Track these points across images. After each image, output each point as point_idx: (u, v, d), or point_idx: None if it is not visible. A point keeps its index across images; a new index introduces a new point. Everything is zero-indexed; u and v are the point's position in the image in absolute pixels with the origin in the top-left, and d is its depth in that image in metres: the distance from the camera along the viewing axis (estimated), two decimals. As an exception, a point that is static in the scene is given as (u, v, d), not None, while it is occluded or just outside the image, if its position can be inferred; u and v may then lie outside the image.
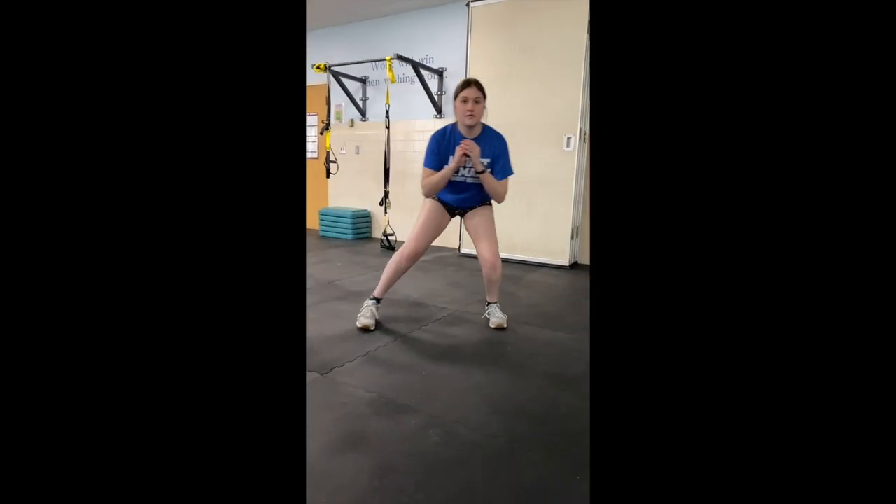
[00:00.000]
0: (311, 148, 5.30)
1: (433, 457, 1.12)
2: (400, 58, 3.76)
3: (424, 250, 2.04)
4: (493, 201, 2.07)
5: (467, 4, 3.62)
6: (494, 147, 1.97)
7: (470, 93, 1.85)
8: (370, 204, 4.75)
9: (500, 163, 1.98)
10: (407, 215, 4.39)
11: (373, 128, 4.73)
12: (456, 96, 1.89)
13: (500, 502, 0.97)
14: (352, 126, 4.92)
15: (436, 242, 2.41)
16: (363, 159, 4.81)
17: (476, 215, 2.08)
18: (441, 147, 1.96)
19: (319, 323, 2.07)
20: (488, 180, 1.94)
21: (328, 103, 4.32)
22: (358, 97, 4.78)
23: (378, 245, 4.23)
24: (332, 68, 4.35)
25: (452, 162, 1.90)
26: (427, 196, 2.01)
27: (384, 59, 3.91)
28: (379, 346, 1.84)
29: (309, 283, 2.79)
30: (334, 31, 4.87)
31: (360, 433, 1.22)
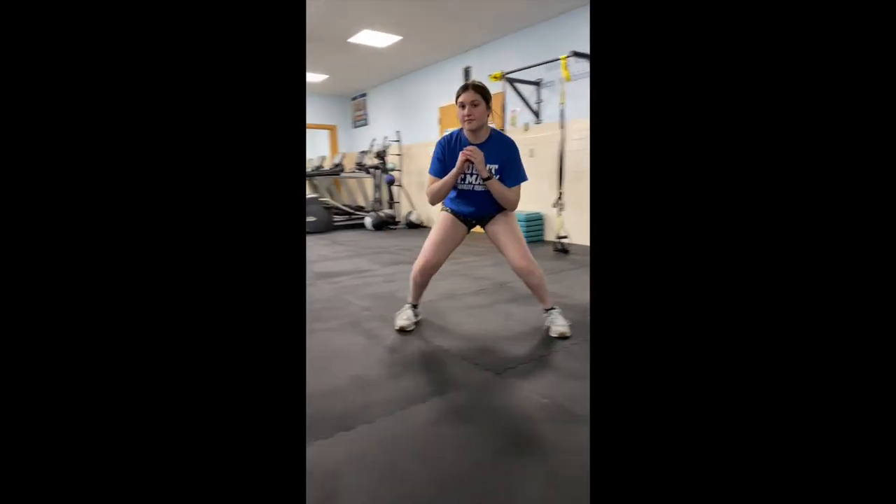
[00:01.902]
0: (487, 155, 5.51)
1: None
2: (576, 54, 3.63)
3: (437, 263, 1.96)
4: None
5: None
6: (502, 153, 1.86)
7: (467, 97, 1.77)
8: (544, 206, 4.70)
9: (509, 169, 1.87)
10: (580, 216, 4.21)
11: (547, 129, 4.68)
12: (455, 101, 1.82)
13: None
14: (526, 130, 4.95)
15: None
16: (537, 162, 4.79)
17: (496, 223, 1.96)
18: (446, 153, 1.89)
19: (493, 323, 2.12)
20: (496, 187, 1.84)
21: (503, 110, 4.43)
22: (532, 101, 4.78)
23: (551, 248, 4.15)
24: (508, 75, 4.45)
25: (455, 168, 1.82)
26: (432, 204, 1.95)
27: (558, 59, 3.83)
28: (553, 351, 1.79)
29: (482, 284, 2.90)
30: (508, 39, 4.98)
31: (533, 438, 1.20)
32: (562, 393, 1.44)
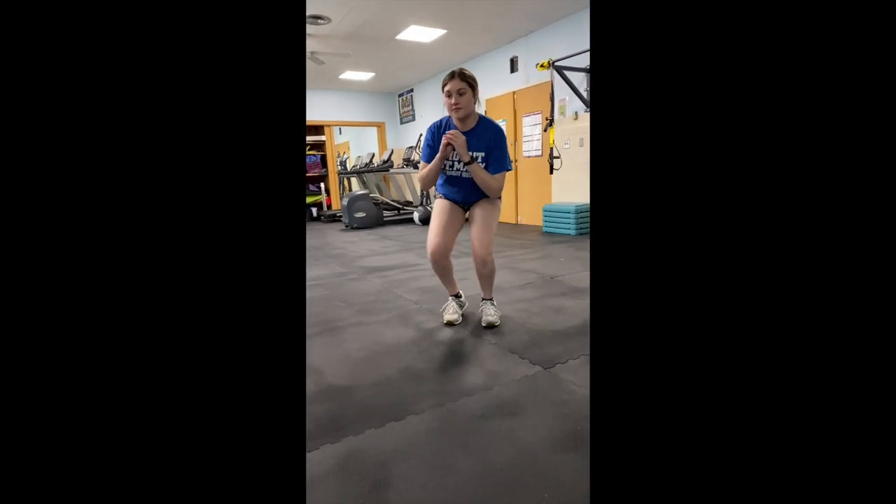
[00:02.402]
0: (535, 146, 5.41)
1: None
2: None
3: (446, 247, 1.96)
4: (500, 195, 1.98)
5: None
6: (488, 139, 1.87)
7: (454, 85, 1.78)
8: (594, 198, 4.55)
9: (494, 156, 1.88)
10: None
11: (597, 118, 4.52)
12: (442, 89, 1.82)
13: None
14: (575, 119, 4.81)
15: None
16: (587, 151, 4.65)
17: (477, 205, 2.00)
18: (435, 139, 1.91)
19: (543, 317, 2.10)
20: (477, 173, 1.85)
21: (552, 99, 4.33)
22: (582, 88, 4.64)
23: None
24: (556, 63, 4.34)
25: (439, 153, 1.85)
26: (423, 189, 2.03)
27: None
28: (603, 346, 1.74)
29: (531, 277, 2.86)
30: (555, 26, 4.85)
31: (581, 434, 1.17)
32: (613, 389, 1.40)
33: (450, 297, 2.14)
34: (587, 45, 4.28)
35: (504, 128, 5.84)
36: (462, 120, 1.86)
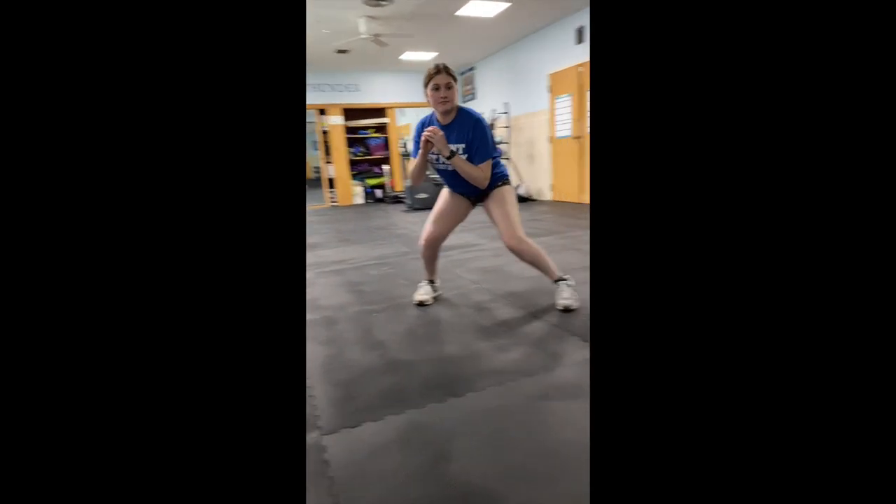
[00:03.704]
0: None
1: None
2: None
3: (441, 236, 2.05)
4: (509, 181, 2.00)
5: None
6: (467, 130, 1.85)
7: (441, 79, 1.79)
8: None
9: (475, 146, 1.85)
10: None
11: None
12: (426, 84, 1.81)
13: None
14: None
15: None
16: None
17: (489, 201, 1.99)
18: (421, 136, 1.90)
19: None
20: (460, 165, 1.85)
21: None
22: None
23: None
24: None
25: (420, 150, 1.87)
26: (413, 185, 2.04)
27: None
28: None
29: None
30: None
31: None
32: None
33: (425, 280, 2.23)
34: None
35: (570, 104, 5.62)
36: (446, 114, 1.88)
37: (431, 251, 2.12)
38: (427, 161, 1.95)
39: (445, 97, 1.82)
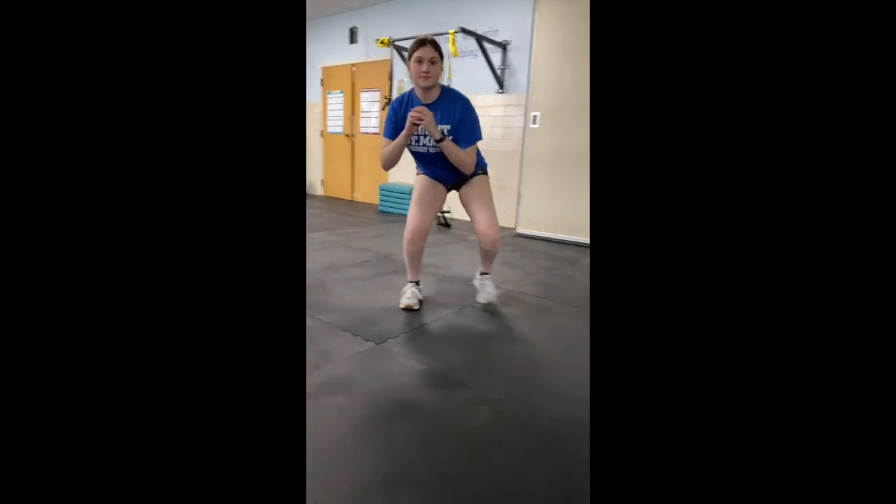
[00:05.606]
0: (374, 123, 5.37)
1: (481, 431, 1.13)
2: (463, 31, 3.68)
3: (425, 227, 1.88)
4: (487, 169, 1.96)
5: (536, -28, 3.45)
6: (454, 111, 1.75)
7: (425, 52, 1.66)
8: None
9: (462, 128, 1.75)
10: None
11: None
12: (410, 56, 1.70)
13: (544, 482, 0.97)
14: (413, 101, 4.92)
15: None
16: (423, 135, 4.82)
17: (468, 187, 1.91)
18: (398, 116, 1.79)
19: (376, 295, 2.13)
20: (450, 149, 1.73)
21: (391, 78, 4.33)
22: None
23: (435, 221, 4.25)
24: (396, 43, 4.35)
25: (403, 131, 1.71)
26: (385, 168, 1.87)
27: (447, 33, 3.85)
28: (433, 320, 1.86)
29: (366, 256, 2.87)
30: (398, 4, 4.85)
31: (410, 403, 1.25)
32: (440, 359, 1.52)
33: (409, 283, 2.02)
34: (428, 30, 4.39)
35: (342, 100, 5.65)
36: (427, 91, 1.73)
37: (419, 245, 1.89)
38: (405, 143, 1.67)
39: (428, 72, 1.67)
